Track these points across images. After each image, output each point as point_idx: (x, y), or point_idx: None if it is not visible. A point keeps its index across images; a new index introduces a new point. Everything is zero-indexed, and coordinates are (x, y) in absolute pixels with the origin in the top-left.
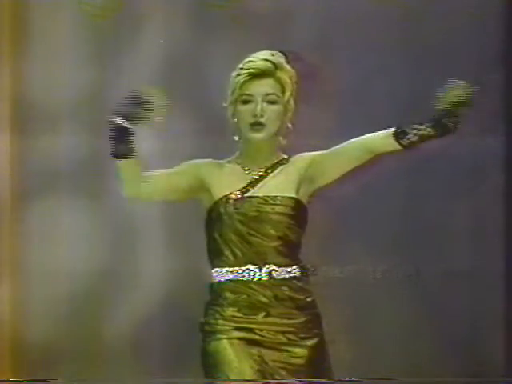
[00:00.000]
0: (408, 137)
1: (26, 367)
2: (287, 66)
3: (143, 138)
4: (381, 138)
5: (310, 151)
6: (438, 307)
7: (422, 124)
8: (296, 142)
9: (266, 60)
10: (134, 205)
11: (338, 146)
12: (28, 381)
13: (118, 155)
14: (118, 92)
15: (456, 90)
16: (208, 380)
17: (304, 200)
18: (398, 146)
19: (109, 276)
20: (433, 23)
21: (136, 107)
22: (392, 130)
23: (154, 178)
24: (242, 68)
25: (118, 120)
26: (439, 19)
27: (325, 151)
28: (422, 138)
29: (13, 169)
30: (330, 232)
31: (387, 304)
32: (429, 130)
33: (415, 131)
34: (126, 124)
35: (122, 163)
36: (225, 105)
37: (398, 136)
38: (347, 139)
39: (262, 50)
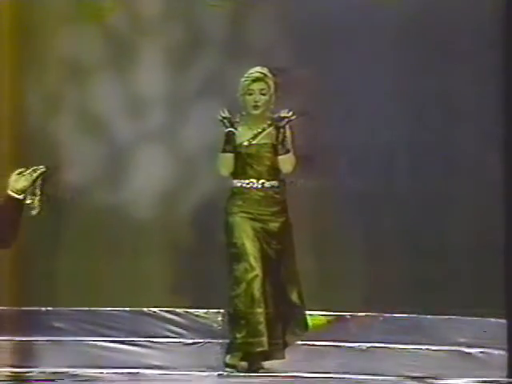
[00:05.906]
0: None
1: None
2: (271, 75)
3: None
4: None
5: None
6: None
7: None
8: None
9: (260, 72)
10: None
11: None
12: (28, 381)
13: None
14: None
15: None
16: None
17: None
18: None
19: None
20: (433, 21)
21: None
22: None
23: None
24: (247, 76)
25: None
26: (439, 18)
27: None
28: None
29: None
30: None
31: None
32: None
33: None
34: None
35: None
36: (237, 95)
37: None
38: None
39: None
